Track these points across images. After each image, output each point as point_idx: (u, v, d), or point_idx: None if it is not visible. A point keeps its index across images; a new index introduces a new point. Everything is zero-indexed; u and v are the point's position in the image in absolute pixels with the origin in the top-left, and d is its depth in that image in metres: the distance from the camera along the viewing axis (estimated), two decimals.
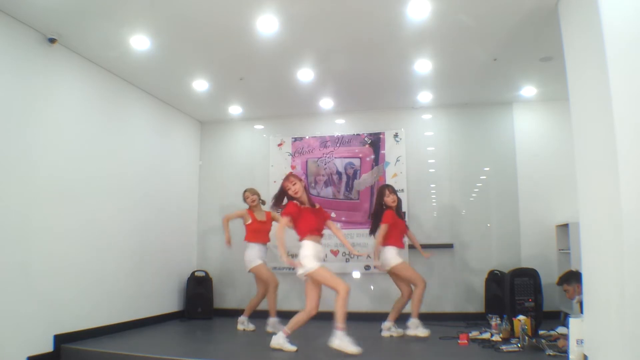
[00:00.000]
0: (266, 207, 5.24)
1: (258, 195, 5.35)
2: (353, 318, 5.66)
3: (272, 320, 4.91)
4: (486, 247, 5.80)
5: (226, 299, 6.24)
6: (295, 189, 4.07)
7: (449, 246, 5.81)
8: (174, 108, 6.17)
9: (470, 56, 4.65)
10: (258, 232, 5.17)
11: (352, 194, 6.17)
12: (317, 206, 4.28)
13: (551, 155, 5.74)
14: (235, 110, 6.28)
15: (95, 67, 4.72)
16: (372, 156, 6.18)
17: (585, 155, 3.14)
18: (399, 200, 4.83)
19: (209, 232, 6.49)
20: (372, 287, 5.88)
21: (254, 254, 5.08)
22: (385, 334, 4.65)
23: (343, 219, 6.11)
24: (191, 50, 4.52)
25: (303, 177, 6.13)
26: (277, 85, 5.44)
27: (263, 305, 5.15)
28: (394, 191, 4.79)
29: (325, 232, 4.22)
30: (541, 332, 4.23)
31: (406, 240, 5.18)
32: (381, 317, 4.86)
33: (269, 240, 5.28)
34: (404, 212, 5.15)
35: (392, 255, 4.61)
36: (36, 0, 3.55)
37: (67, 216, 4.25)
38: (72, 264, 4.26)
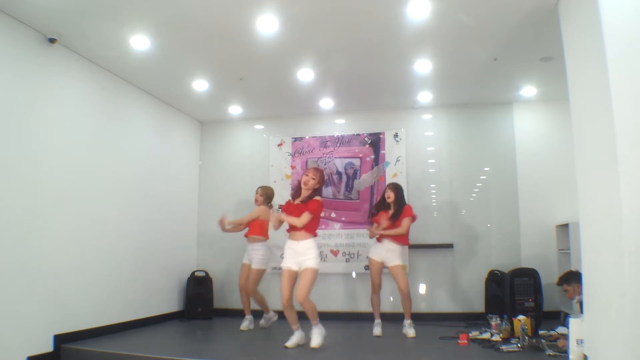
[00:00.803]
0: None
1: (264, 195, 5.24)
2: (354, 318, 5.71)
3: (248, 318, 5.15)
4: (486, 247, 5.80)
5: (226, 299, 6.23)
6: (305, 179, 4.12)
7: (449, 246, 5.81)
8: (174, 108, 6.17)
9: (470, 56, 4.65)
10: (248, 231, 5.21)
11: (352, 194, 6.17)
12: (310, 200, 4.07)
13: (551, 155, 5.74)
14: (235, 110, 6.28)
15: (95, 67, 4.72)
16: (372, 156, 6.18)
17: (585, 155, 3.14)
18: (394, 194, 4.73)
19: (209, 232, 6.49)
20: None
21: (245, 253, 5.22)
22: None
23: (343, 219, 6.11)
24: (191, 50, 4.51)
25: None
26: (277, 85, 5.44)
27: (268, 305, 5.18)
28: (388, 187, 4.82)
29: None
30: (541, 332, 4.23)
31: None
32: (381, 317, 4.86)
33: (256, 238, 5.10)
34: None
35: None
36: (36, 0, 3.55)
37: (67, 216, 4.25)
38: (72, 264, 4.26)
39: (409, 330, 4.58)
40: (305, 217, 3.96)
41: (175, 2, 3.63)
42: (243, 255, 5.24)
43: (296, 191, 4.26)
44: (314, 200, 4.05)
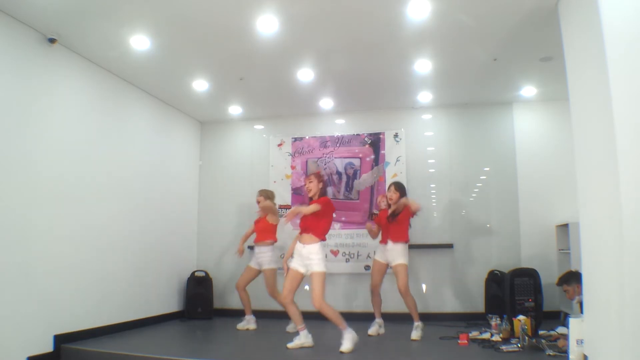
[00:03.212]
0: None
1: (264, 195, 5.28)
2: (354, 318, 5.70)
3: (247, 317, 5.22)
4: (486, 247, 5.80)
5: (226, 299, 6.24)
6: (308, 187, 4.21)
7: (449, 246, 5.81)
8: (174, 108, 6.17)
9: (470, 56, 4.65)
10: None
11: (352, 194, 6.17)
12: (320, 197, 4.21)
13: (551, 155, 5.74)
14: (235, 110, 6.29)
15: (95, 67, 4.72)
16: (372, 156, 6.18)
17: (585, 155, 3.14)
18: (398, 196, 4.75)
19: (209, 232, 6.49)
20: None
21: (252, 258, 5.28)
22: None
23: (343, 219, 6.11)
24: (191, 50, 4.52)
25: (302, 177, 6.12)
26: (277, 85, 5.44)
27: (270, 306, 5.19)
28: (391, 187, 4.82)
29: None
30: (541, 332, 4.24)
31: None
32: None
33: (265, 242, 5.16)
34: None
35: None
36: (36, 0, 3.55)
37: (67, 216, 4.25)
38: (72, 264, 4.26)
39: (412, 332, 4.49)
40: (313, 206, 4.05)
41: (175, 2, 3.63)
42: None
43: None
44: (323, 197, 4.18)
